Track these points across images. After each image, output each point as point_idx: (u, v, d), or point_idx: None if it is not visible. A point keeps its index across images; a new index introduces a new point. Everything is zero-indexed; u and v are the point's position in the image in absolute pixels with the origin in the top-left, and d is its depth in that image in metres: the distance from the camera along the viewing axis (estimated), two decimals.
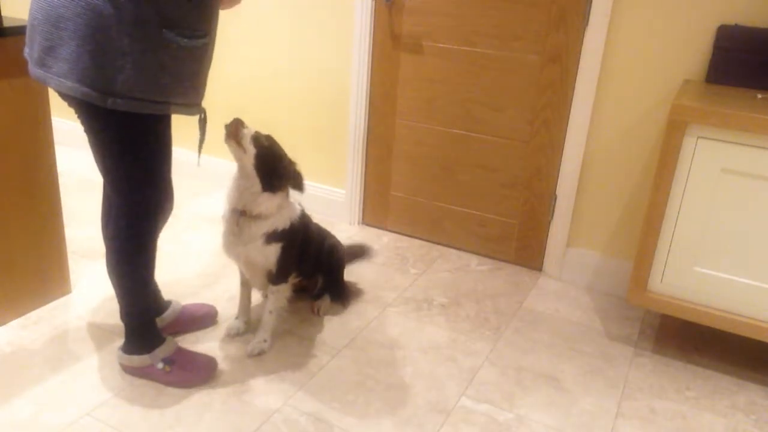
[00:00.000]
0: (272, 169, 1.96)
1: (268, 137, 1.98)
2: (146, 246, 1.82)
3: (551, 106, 2.61)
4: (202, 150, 1.82)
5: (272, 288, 2.11)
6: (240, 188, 1.96)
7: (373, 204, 3.14)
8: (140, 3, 1.48)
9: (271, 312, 2.13)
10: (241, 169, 1.94)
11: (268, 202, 1.96)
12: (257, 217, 1.97)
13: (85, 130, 1.68)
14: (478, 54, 2.68)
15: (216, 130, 1.89)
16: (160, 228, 1.86)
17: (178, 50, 1.56)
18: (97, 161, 1.73)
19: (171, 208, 1.87)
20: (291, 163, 2.03)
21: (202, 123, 1.79)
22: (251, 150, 1.90)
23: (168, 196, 1.83)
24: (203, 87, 1.73)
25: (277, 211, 2.00)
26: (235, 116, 1.92)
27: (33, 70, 1.59)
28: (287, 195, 2.04)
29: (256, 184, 1.93)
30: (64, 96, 1.61)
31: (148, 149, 1.69)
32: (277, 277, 2.09)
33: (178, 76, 1.60)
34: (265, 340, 2.12)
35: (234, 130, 1.88)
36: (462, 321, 2.39)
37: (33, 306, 2.24)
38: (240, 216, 1.97)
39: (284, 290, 2.15)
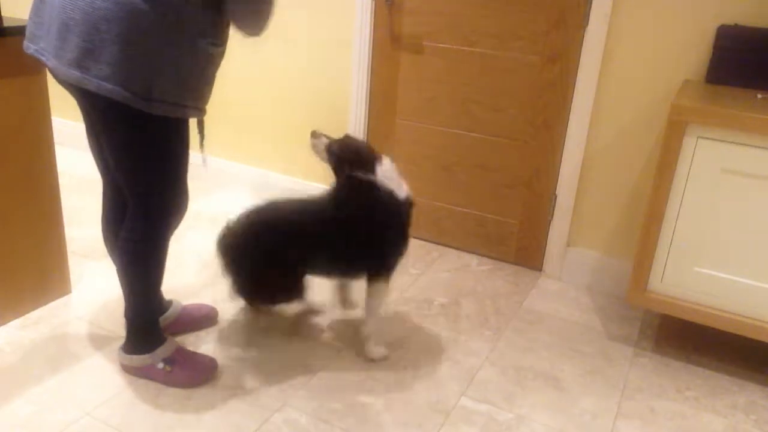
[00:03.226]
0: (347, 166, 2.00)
1: (341, 140, 2.04)
2: (160, 247, 1.83)
3: (551, 106, 2.61)
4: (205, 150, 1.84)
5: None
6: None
7: None
8: (182, 12, 1.53)
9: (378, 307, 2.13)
10: None
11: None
12: None
13: (106, 131, 1.67)
14: (478, 54, 2.68)
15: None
16: (174, 229, 1.86)
17: (204, 57, 1.63)
18: (113, 162, 1.73)
19: (186, 209, 1.88)
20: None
21: (202, 124, 1.83)
22: (326, 157, 2.02)
23: (184, 197, 1.84)
24: (211, 91, 1.78)
25: None
26: (313, 129, 2.06)
27: (66, 70, 1.56)
28: None
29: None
30: (87, 95, 1.59)
31: (172, 151, 1.72)
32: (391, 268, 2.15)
33: (201, 80, 1.67)
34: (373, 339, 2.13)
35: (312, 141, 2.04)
36: (462, 321, 2.39)
37: (33, 306, 2.24)
38: None
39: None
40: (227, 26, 1.69)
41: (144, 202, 1.76)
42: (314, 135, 2.04)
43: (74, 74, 1.56)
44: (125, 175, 1.73)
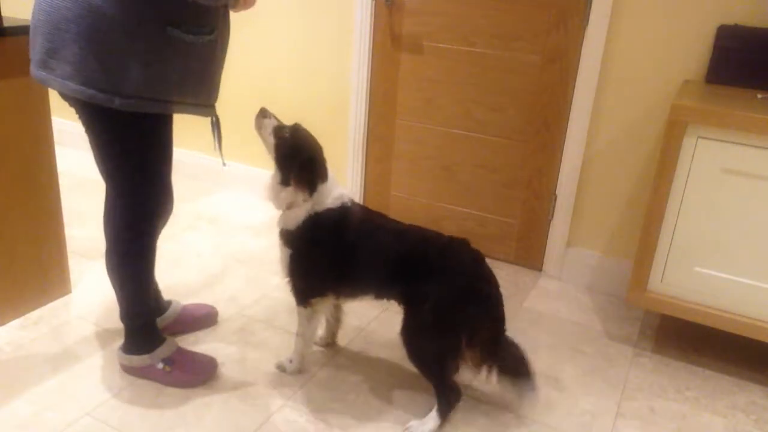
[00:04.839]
0: (287, 161, 1.83)
1: (295, 128, 1.87)
2: (146, 247, 1.82)
3: (551, 106, 2.61)
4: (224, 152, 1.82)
5: (296, 308, 1.97)
6: (271, 178, 1.87)
7: (373, 204, 3.13)
8: (141, 2, 1.47)
9: (297, 335, 2.00)
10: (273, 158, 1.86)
11: (279, 195, 1.83)
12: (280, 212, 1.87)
13: (87, 131, 1.68)
14: (478, 54, 2.68)
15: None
16: (160, 229, 1.86)
17: (185, 47, 1.56)
18: (97, 162, 1.73)
19: (171, 209, 1.88)
20: (310, 159, 1.84)
21: (215, 125, 1.78)
22: (271, 140, 1.83)
23: (168, 197, 1.83)
24: (215, 88, 1.72)
25: (288, 207, 1.84)
26: (261, 106, 1.88)
27: (35, 71, 1.58)
28: (304, 192, 1.81)
29: (278, 174, 1.83)
30: (67, 97, 1.61)
31: (150, 150, 1.70)
32: (292, 292, 1.94)
33: (186, 74, 1.60)
34: (290, 360, 2.02)
35: (257, 118, 1.84)
36: None
37: (33, 306, 2.24)
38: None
39: (306, 315, 1.95)
40: (207, 12, 1.57)
41: (126, 202, 1.75)
42: (263, 113, 1.86)
43: (41, 75, 1.56)
44: (107, 174, 1.73)
